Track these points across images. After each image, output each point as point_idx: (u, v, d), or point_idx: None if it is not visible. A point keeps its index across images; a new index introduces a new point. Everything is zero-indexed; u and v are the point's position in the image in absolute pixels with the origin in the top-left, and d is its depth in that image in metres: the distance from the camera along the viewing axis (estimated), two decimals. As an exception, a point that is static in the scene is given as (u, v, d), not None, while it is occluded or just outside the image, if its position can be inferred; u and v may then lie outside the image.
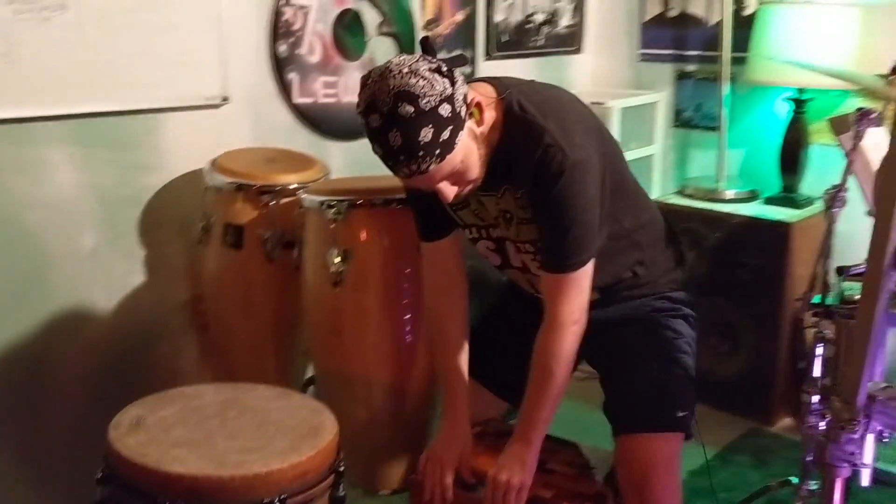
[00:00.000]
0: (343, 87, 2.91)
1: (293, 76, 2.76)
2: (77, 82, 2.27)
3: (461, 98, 1.54)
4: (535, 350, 1.74)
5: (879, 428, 1.51)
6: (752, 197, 3.34)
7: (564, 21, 3.70)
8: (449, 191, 1.61)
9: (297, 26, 2.74)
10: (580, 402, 2.17)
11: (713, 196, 3.34)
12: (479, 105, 1.61)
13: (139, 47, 2.37)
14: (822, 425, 1.66)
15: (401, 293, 2.11)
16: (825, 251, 1.94)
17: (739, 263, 3.19)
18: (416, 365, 2.16)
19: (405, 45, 3.07)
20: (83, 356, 2.43)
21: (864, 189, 2.12)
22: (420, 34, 3.14)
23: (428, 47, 1.61)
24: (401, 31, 3.05)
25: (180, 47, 2.47)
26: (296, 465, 1.44)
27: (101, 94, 2.32)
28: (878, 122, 1.82)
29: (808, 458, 2.08)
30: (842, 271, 2.07)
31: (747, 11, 3.42)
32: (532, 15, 3.55)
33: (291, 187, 2.33)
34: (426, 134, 1.49)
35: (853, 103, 3.24)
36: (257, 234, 2.32)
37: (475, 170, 1.63)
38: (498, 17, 3.42)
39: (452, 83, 1.53)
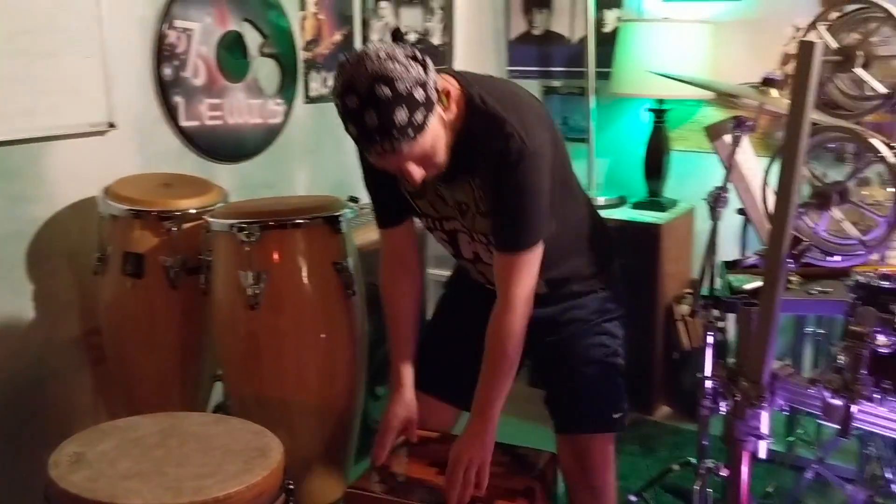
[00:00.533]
0: (228, 109, 2.90)
1: (179, 99, 2.72)
2: (-46, 112, 2.17)
3: (433, 84, 1.61)
4: (488, 330, 1.82)
5: (781, 402, 1.68)
6: (621, 202, 3.56)
7: (435, 39, 3.82)
8: (417, 172, 1.68)
9: (181, 49, 2.70)
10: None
11: (586, 203, 3.53)
12: (447, 93, 1.68)
13: (19, 74, 2.28)
14: (724, 406, 1.83)
15: (316, 313, 2.13)
16: (711, 248, 2.12)
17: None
18: (334, 384, 2.18)
19: (286, 65, 3.09)
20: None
21: (738, 189, 2.33)
22: (301, 54, 3.16)
23: (399, 36, 1.68)
24: (281, 52, 3.06)
25: (62, 74, 2.39)
26: (252, 487, 1.44)
27: (-19, 124, 2.22)
28: (752, 128, 2.00)
29: (704, 441, 2.24)
30: (728, 265, 2.25)
31: (607, 29, 3.65)
32: (405, 34, 3.64)
33: (191, 212, 2.30)
34: (401, 115, 1.56)
35: (706, 112, 3.54)
36: (159, 262, 2.28)
37: (442, 154, 1.70)
38: (374, 37, 3.49)
39: (425, 70, 1.60)
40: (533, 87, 3.90)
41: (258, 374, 2.13)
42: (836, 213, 1.58)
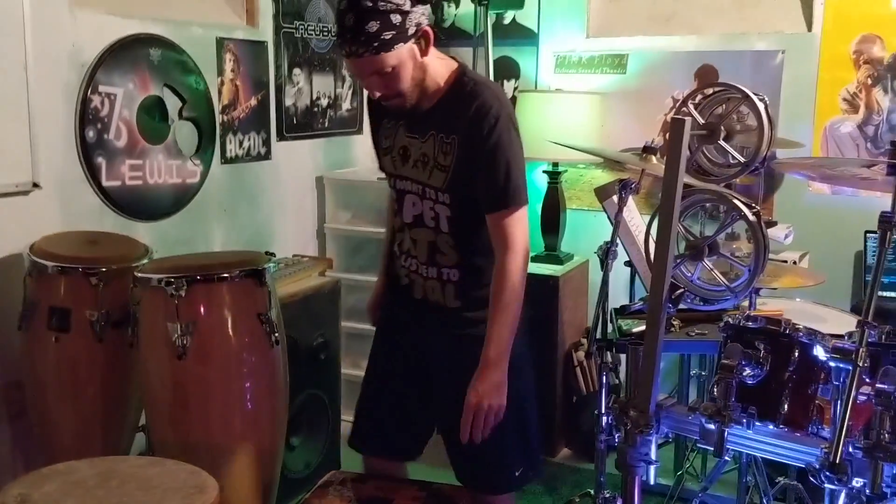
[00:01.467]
0: (148, 170, 3.01)
1: (101, 160, 2.82)
2: None
3: (414, 20, 1.88)
4: (493, 278, 2.01)
5: (665, 430, 1.90)
6: (521, 257, 3.80)
7: (346, 105, 4.03)
8: (375, 87, 1.94)
9: (104, 113, 2.82)
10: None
11: (489, 258, 3.76)
12: (426, 36, 1.93)
13: (-53, 136, 2.36)
14: (618, 436, 2.04)
15: (241, 363, 2.25)
16: (603, 296, 2.35)
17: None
18: (258, 430, 2.30)
19: (204, 128, 3.23)
20: None
21: (625, 243, 2.59)
22: (218, 118, 3.31)
23: None
24: (199, 116, 3.21)
25: (-12, 135, 2.48)
26: (193, 520, 1.56)
27: None
28: (636, 189, 2.26)
29: (601, 473, 2.46)
30: (619, 311, 2.49)
31: (505, 97, 3.93)
32: (317, 100, 3.84)
33: (115, 268, 2.40)
34: (372, 26, 1.83)
35: (596, 174, 3.85)
36: (85, 316, 2.36)
37: (405, 84, 1.94)
38: (288, 102, 3.67)
39: (412, 6, 1.87)
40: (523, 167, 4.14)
41: (185, 423, 2.23)
42: (707, 263, 1.83)
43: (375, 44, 1.84)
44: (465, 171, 1.99)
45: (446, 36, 4.08)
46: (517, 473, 2.17)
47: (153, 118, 3.01)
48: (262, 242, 3.57)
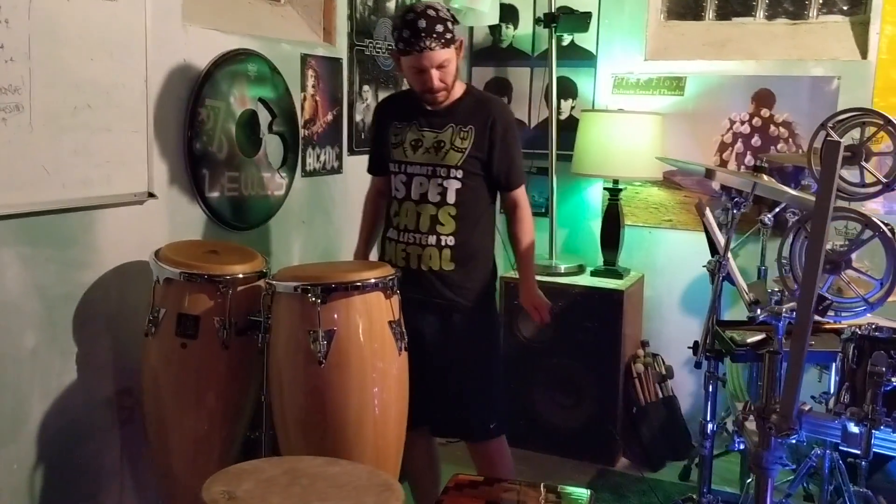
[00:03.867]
0: (244, 182, 3.09)
1: (205, 172, 2.90)
2: (27, 181, 2.29)
3: (458, 31, 2.58)
4: (514, 224, 2.81)
5: (805, 434, 2.02)
6: (580, 270, 3.93)
7: (408, 121, 4.12)
8: (436, 77, 2.56)
9: (209, 125, 2.89)
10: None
11: (550, 271, 3.88)
12: (462, 46, 2.61)
13: (79, 146, 2.42)
14: (740, 442, 2.16)
15: (374, 369, 2.34)
16: (714, 309, 2.47)
17: (580, 327, 3.74)
18: (386, 434, 2.38)
19: (290, 142, 3.31)
20: (17, 460, 2.36)
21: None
22: (301, 131, 3.40)
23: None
24: (286, 130, 3.29)
25: (114, 147, 2.54)
26: (397, 514, 1.64)
27: (47, 193, 2.34)
28: (746, 206, 2.38)
29: (706, 484, 2.56)
30: (722, 324, 2.59)
31: (563, 116, 4.07)
32: (385, 115, 3.93)
33: (241, 276, 2.48)
34: (439, 27, 2.50)
35: (652, 192, 3.99)
36: (212, 323, 2.43)
37: (451, 78, 2.60)
38: (357, 117, 3.76)
39: (456, 23, 2.58)
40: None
41: (319, 429, 2.30)
42: (845, 276, 1.96)
43: (443, 40, 2.50)
44: (478, 154, 2.64)
45: (503, 56, 4.21)
46: (491, 426, 2.80)
47: (247, 132, 3.09)
48: (334, 253, 3.65)
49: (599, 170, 3.81)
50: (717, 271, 2.43)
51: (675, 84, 3.89)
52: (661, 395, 3.86)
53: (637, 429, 3.78)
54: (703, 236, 3.87)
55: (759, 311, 2.11)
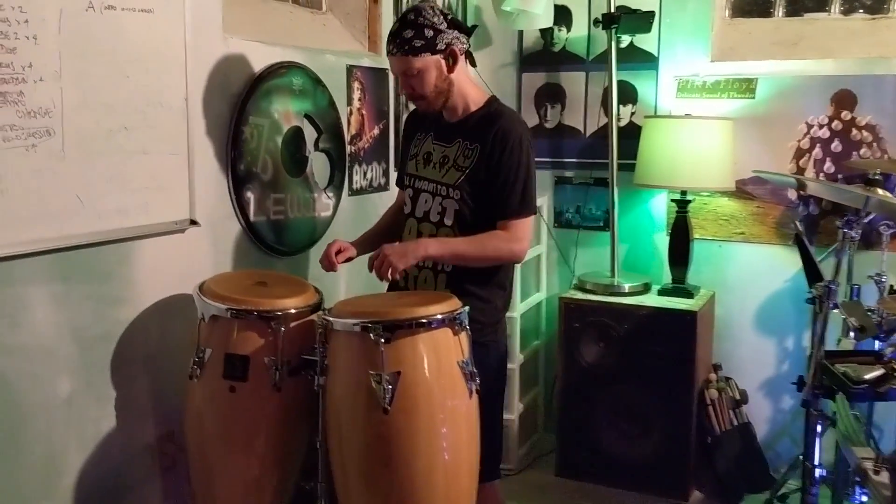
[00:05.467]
0: (289, 204, 2.87)
1: (250, 195, 2.68)
2: (58, 212, 2.08)
3: (446, 39, 2.32)
4: (494, 231, 2.35)
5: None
6: (646, 289, 3.66)
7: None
8: (403, 84, 2.39)
9: (253, 145, 2.68)
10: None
11: (612, 290, 3.62)
12: (454, 56, 2.35)
13: (114, 172, 2.22)
14: (862, 494, 1.89)
15: (444, 414, 2.09)
16: (821, 339, 2.20)
17: (648, 352, 3.47)
18: (457, 482, 2.14)
19: (336, 159, 3.09)
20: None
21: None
22: (347, 148, 3.17)
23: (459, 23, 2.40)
24: (333, 147, 3.07)
25: (151, 171, 2.33)
26: None
27: (80, 224, 2.13)
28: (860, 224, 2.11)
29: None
30: (830, 356, 2.32)
31: (622, 123, 3.81)
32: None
33: (293, 311, 2.25)
34: (408, 33, 2.30)
35: (721, 203, 3.72)
36: (263, 363, 2.20)
37: (427, 89, 2.35)
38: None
39: (448, 28, 2.32)
40: (544, 177, 4.01)
41: (384, 479, 2.07)
42: None
43: (406, 47, 2.30)
44: (479, 174, 2.36)
45: (556, 60, 3.96)
46: (482, 470, 2.26)
47: (292, 150, 2.87)
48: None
49: (666, 180, 3.54)
50: (827, 298, 2.16)
51: (745, 86, 3.61)
52: (735, 423, 3.58)
53: (712, 459, 3.51)
54: (778, 250, 3.62)
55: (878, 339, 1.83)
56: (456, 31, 2.35)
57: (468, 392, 2.14)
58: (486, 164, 2.36)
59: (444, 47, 2.33)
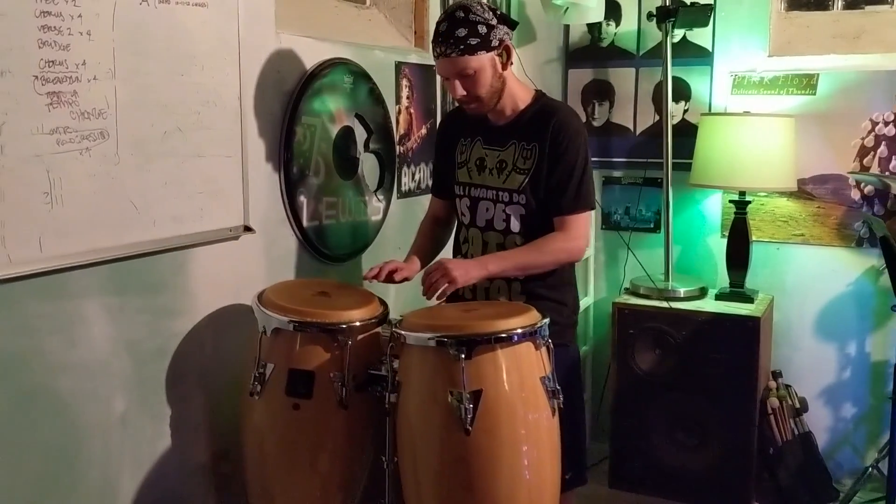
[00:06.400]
0: (341, 208, 2.73)
1: (303, 199, 2.55)
2: (113, 220, 1.95)
3: (499, 35, 2.19)
4: (548, 235, 2.26)
5: None
6: (702, 294, 3.51)
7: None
8: (458, 89, 2.21)
9: (306, 146, 2.54)
10: None
11: (667, 295, 3.47)
12: (508, 51, 2.23)
13: (170, 177, 2.09)
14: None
15: (527, 433, 1.95)
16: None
17: (707, 359, 3.32)
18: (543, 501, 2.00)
19: (386, 161, 2.95)
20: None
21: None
22: (396, 148, 3.04)
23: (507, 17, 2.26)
24: (382, 148, 2.93)
25: (206, 174, 2.20)
26: None
27: (136, 232, 2.00)
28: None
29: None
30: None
31: (675, 120, 3.66)
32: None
33: (358, 324, 2.12)
34: (461, 32, 2.14)
35: (779, 203, 3.57)
36: (329, 380, 2.07)
37: (483, 90, 2.21)
38: (451, 130, 3.40)
39: (499, 23, 2.19)
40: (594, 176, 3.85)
41: (465, 503, 1.93)
42: None
43: (461, 46, 2.15)
44: (541, 174, 2.25)
45: (604, 56, 3.82)
46: (567, 477, 2.14)
47: (343, 151, 2.73)
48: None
49: (725, 180, 3.39)
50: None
51: (806, 82, 3.46)
52: (796, 432, 3.44)
53: (774, 472, 3.36)
54: (839, 252, 3.48)
55: None
56: (505, 26, 2.23)
57: (551, 410, 2.00)
58: (546, 162, 2.26)
59: (497, 44, 2.20)
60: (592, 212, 2.33)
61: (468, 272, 2.17)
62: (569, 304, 2.39)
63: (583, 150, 2.28)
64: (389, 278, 2.34)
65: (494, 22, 2.18)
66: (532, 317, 2.02)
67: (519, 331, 1.96)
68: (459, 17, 2.15)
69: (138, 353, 2.06)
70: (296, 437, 2.11)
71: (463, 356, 1.89)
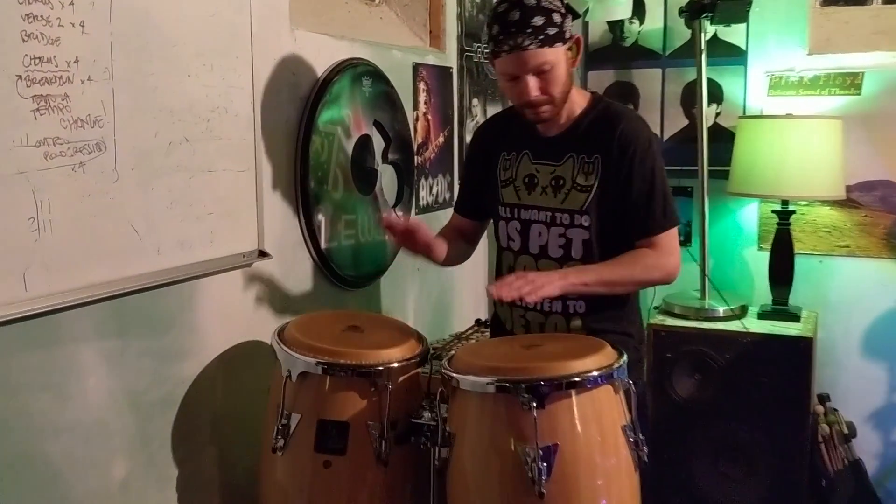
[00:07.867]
0: (361, 226, 2.43)
1: (321, 217, 2.24)
2: (112, 248, 1.63)
3: (569, 27, 1.90)
4: (637, 250, 1.96)
5: None
6: (743, 312, 3.23)
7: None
8: (532, 86, 1.88)
9: (324, 157, 2.24)
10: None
11: (705, 314, 3.20)
12: (579, 45, 1.95)
13: (175, 195, 1.77)
14: None
15: (608, 491, 1.66)
16: None
17: (753, 383, 3.05)
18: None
19: (405, 172, 2.65)
20: None
21: None
22: (415, 159, 2.74)
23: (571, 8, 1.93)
24: (401, 159, 2.63)
25: (216, 192, 1.89)
26: None
27: (137, 262, 1.68)
28: None
29: None
30: None
31: (707, 124, 3.39)
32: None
33: (396, 365, 1.81)
34: (538, 21, 1.83)
35: (822, 212, 3.32)
36: (366, 431, 1.76)
37: (558, 88, 1.91)
38: (467, 137, 3.10)
39: (569, 14, 1.89)
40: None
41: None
42: None
43: (541, 37, 1.84)
44: (608, 191, 1.96)
45: (627, 56, 3.55)
46: None
47: (360, 163, 2.43)
48: (448, 303, 3.00)
49: (769, 188, 3.12)
50: None
51: (850, 81, 3.21)
52: (847, 461, 3.17)
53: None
54: (888, 265, 3.23)
55: None
56: (572, 16, 1.93)
57: (633, 465, 1.70)
58: (613, 176, 1.95)
59: (570, 35, 1.91)
60: (676, 230, 2.00)
61: (552, 283, 1.83)
62: (635, 335, 2.08)
63: (659, 161, 1.97)
64: (410, 237, 2.02)
65: (566, 11, 1.90)
66: (608, 354, 1.73)
67: (595, 372, 1.66)
68: (531, 4, 1.84)
69: (141, 406, 1.73)
70: (327, 498, 1.79)
71: (535, 404, 1.59)
